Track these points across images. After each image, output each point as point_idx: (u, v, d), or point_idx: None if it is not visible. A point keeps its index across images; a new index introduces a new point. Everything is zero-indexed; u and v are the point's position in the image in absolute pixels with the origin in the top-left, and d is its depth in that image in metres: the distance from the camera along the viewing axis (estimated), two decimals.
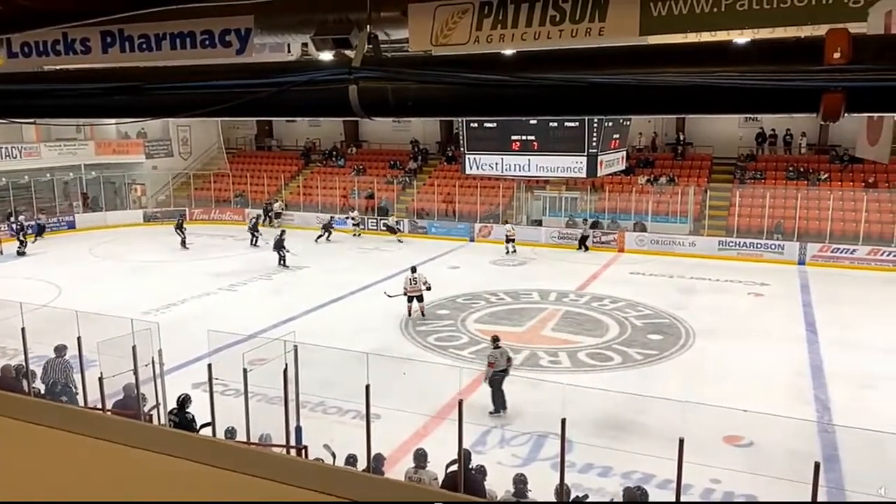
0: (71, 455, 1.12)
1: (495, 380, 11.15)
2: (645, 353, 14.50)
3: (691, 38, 5.90)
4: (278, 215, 30.32)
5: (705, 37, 5.92)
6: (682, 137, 29.42)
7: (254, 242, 26.25)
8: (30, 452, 1.13)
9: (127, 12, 4.95)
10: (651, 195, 26.78)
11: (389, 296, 16.67)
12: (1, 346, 13.06)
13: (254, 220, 27.47)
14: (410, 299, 16.57)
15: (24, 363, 10.87)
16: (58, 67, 7.78)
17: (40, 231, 26.53)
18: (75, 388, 10.69)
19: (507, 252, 25.28)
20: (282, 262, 22.38)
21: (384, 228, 28.39)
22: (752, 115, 26.29)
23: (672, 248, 24.88)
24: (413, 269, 16.93)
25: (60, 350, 10.78)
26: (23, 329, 10.95)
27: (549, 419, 9.13)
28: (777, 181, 26.74)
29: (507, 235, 25.85)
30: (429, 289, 16.49)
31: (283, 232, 23.62)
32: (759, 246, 24.21)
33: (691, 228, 25.93)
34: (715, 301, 18.51)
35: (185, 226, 26.81)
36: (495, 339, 11.61)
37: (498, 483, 8.10)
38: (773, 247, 24.04)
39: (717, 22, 5.80)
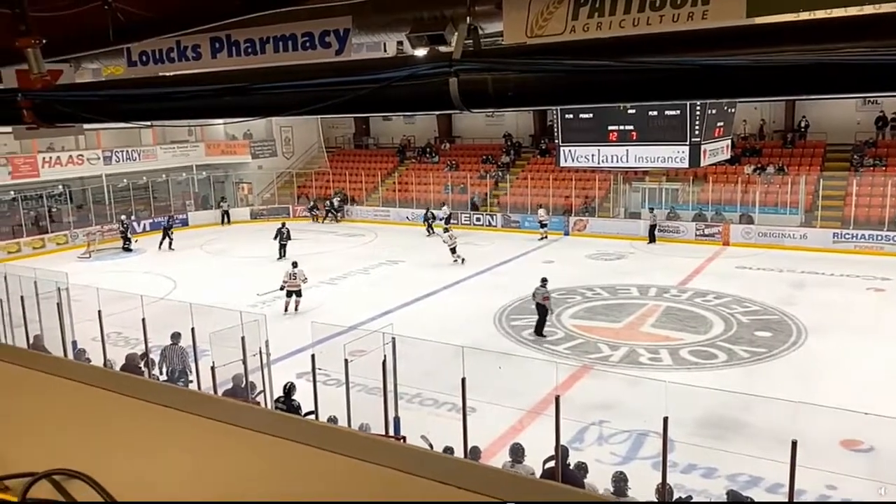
0: (192, 434, 1.18)
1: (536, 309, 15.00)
2: (752, 350, 13.84)
3: (804, 17, 5.54)
4: (339, 209, 31.77)
5: (819, 15, 5.54)
6: (803, 123, 27.76)
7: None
8: (157, 431, 1.20)
9: (233, 18, 5.18)
10: (758, 185, 25.48)
11: (260, 295, 17.02)
12: (124, 336, 14.04)
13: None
14: (289, 294, 16.72)
15: (144, 351, 11.67)
16: (172, 73, 8.25)
17: (166, 234, 26.85)
18: (190, 373, 11.37)
19: (542, 238, 25.92)
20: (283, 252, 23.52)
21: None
22: (871, 98, 24.53)
23: (781, 241, 23.59)
24: (294, 264, 17.11)
25: (176, 337, 11.49)
26: (143, 320, 11.75)
27: (649, 417, 8.88)
28: None
29: (540, 221, 26.26)
30: (304, 281, 16.91)
31: (283, 224, 24.98)
32: (879, 238, 22.56)
33: (802, 220, 24.49)
34: (829, 296, 17.41)
35: (172, 230, 27.29)
36: (543, 280, 15.11)
37: (597, 481, 7.97)
38: (895, 238, 22.33)
39: None
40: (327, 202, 32.48)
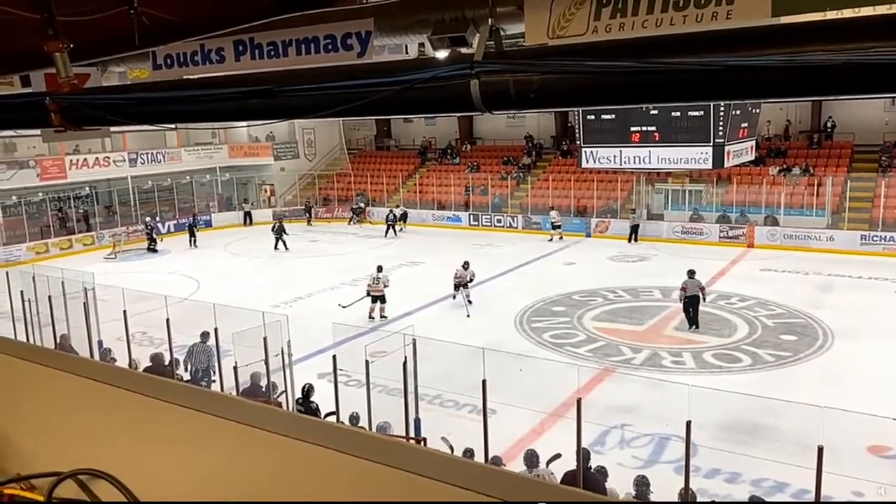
0: (213, 435, 1.19)
1: (686, 302, 14.65)
2: (777, 354, 13.65)
3: (830, 16, 5.45)
4: (360, 211, 32.31)
5: (847, 14, 5.45)
6: (829, 124, 27.35)
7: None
8: (178, 433, 1.21)
9: (257, 21, 5.23)
10: (783, 187, 25.14)
11: (344, 306, 16.14)
12: (149, 336, 14.21)
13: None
14: (374, 300, 16.24)
15: (168, 351, 11.79)
16: (196, 76, 8.34)
17: (191, 232, 27.82)
18: (214, 373, 11.48)
19: (552, 239, 25.92)
20: (279, 245, 25.89)
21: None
22: None
23: (807, 243, 23.24)
24: (379, 269, 16.75)
25: (205, 336, 11.61)
26: (167, 320, 11.88)
27: (671, 421, 8.81)
28: None
29: (552, 223, 26.32)
30: (387, 285, 16.33)
31: (280, 219, 27.52)
32: None
33: (829, 222, 24.12)
34: (857, 300, 17.12)
35: (196, 230, 28.15)
36: (690, 272, 14.85)
37: (619, 484, 7.91)
38: None
39: None
40: (352, 206, 32.71)
